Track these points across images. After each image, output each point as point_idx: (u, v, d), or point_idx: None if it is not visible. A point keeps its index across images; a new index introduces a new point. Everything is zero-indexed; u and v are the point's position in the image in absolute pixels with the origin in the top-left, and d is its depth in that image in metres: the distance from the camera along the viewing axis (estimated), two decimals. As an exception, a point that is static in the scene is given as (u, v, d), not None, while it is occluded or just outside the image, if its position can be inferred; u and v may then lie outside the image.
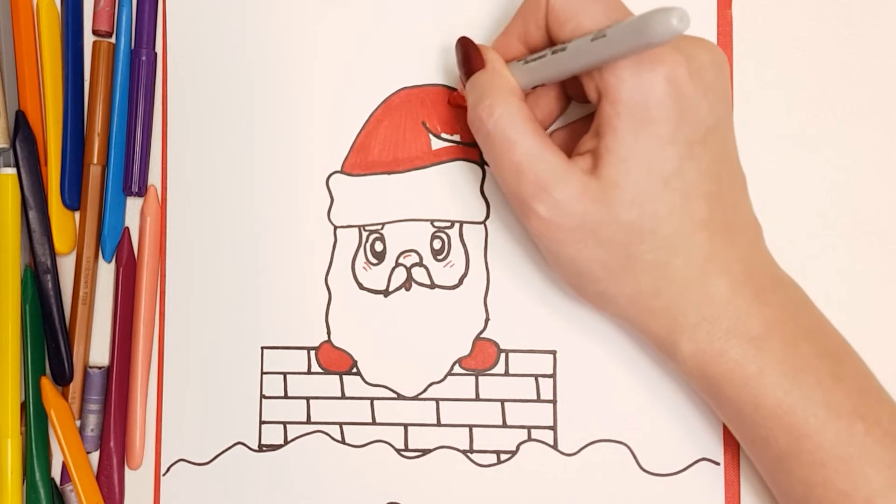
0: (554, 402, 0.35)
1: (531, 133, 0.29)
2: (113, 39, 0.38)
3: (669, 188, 0.28)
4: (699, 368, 0.30)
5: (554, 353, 0.35)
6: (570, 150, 0.31)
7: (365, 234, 0.37)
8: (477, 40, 0.36)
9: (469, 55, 0.32)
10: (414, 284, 0.36)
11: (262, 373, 0.37)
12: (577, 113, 0.35)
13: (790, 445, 0.29)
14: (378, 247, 0.36)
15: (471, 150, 0.36)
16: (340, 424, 0.36)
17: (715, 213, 0.29)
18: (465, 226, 0.36)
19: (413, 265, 0.36)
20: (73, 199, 0.38)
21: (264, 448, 0.37)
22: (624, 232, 0.29)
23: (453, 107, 0.36)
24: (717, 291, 0.29)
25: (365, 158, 0.37)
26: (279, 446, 0.36)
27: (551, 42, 0.31)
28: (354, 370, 0.36)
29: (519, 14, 0.32)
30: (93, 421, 0.37)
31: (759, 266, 0.30)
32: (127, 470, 0.37)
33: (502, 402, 0.36)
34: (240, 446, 0.37)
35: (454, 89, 0.36)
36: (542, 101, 0.33)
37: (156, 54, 0.38)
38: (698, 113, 0.28)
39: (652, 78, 0.27)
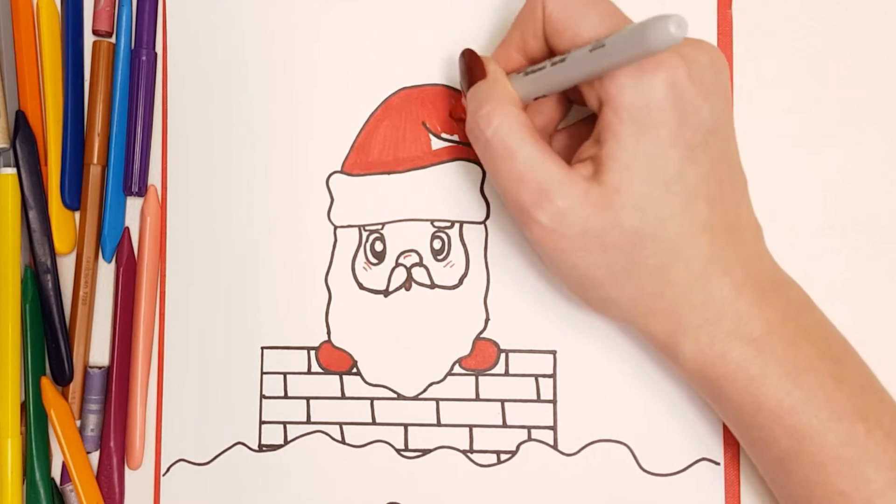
0: (554, 402, 0.35)
1: (531, 141, 0.29)
2: (113, 39, 0.38)
3: (671, 192, 0.28)
4: (701, 370, 0.30)
5: (554, 353, 0.35)
6: (568, 155, 0.31)
7: (365, 234, 0.37)
8: (477, 40, 0.36)
9: (471, 66, 0.32)
10: (414, 284, 0.36)
11: (262, 373, 0.37)
12: (574, 117, 0.35)
13: (791, 446, 0.29)
14: (378, 247, 0.36)
15: (471, 150, 0.36)
16: (340, 424, 0.36)
17: (716, 215, 0.29)
18: (465, 226, 0.36)
19: (413, 265, 0.36)
20: (73, 199, 0.38)
21: (264, 448, 0.37)
22: (627, 237, 0.28)
23: (455, 120, 0.36)
24: (718, 293, 0.29)
25: (365, 158, 0.37)
26: (279, 446, 0.36)
27: (550, 51, 0.31)
28: (354, 370, 0.36)
29: (516, 25, 0.32)
30: (93, 421, 0.37)
31: (761, 267, 0.30)
32: (127, 470, 0.37)
33: (502, 402, 0.36)
34: (240, 446, 0.37)
35: (455, 89, 0.36)
36: (545, 107, 0.33)
37: (156, 54, 0.38)
38: (699, 116, 0.28)
39: (652, 82, 0.27)
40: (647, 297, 0.30)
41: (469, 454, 0.36)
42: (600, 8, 0.29)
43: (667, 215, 0.28)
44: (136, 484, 0.37)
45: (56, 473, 0.37)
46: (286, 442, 0.36)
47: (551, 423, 0.35)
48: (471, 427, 0.36)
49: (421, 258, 0.36)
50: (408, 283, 0.36)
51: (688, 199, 0.28)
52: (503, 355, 0.36)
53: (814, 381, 0.28)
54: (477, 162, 0.36)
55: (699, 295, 0.29)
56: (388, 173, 0.36)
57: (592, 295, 0.31)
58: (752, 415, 0.29)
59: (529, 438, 0.35)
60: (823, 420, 0.28)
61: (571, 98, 0.33)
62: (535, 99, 0.31)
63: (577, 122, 0.34)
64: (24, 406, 0.37)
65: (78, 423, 0.37)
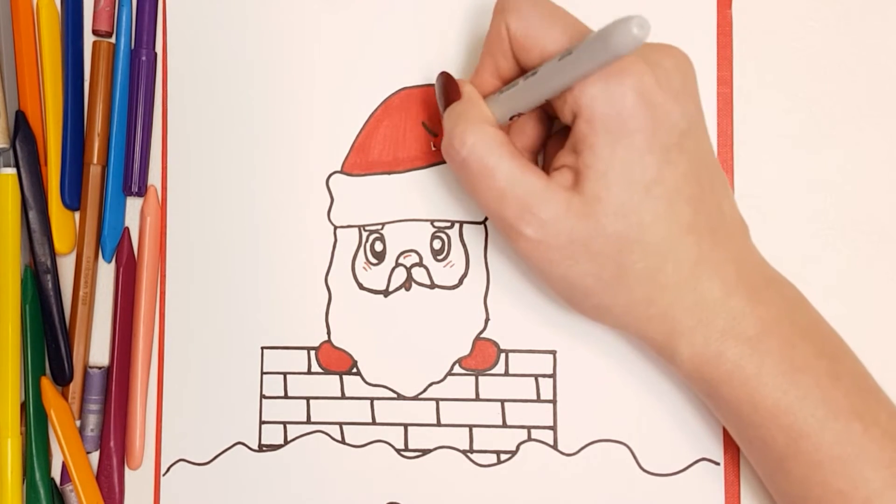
0: (554, 402, 0.35)
1: (508, 157, 0.29)
2: (113, 39, 0.38)
3: (652, 196, 0.28)
4: (698, 371, 0.30)
5: (554, 353, 0.35)
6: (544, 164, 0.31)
7: (365, 234, 0.37)
8: (477, 41, 0.36)
9: (447, 88, 0.32)
10: (414, 284, 0.36)
11: (262, 373, 0.37)
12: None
13: (788, 446, 0.29)
14: (378, 247, 0.36)
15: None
16: (340, 424, 0.36)
17: (699, 216, 0.29)
18: (465, 226, 0.36)
19: (413, 265, 0.36)
20: (73, 199, 0.38)
21: (264, 448, 0.37)
22: (612, 243, 0.29)
23: (438, 150, 0.36)
24: (710, 294, 0.29)
25: (365, 158, 0.37)
26: (279, 446, 0.36)
27: (522, 70, 0.31)
28: (354, 370, 0.36)
29: (486, 50, 0.32)
30: (93, 421, 0.37)
31: (751, 266, 0.30)
32: (127, 470, 0.37)
33: (502, 402, 0.36)
34: (240, 446, 0.37)
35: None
36: (527, 126, 0.33)
37: (156, 54, 0.38)
38: (670, 119, 0.28)
39: (621, 90, 0.27)
40: (639, 302, 0.30)
41: (469, 454, 0.36)
42: (563, 22, 0.29)
43: (649, 220, 0.28)
44: (136, 484, 0.37)
45: (56, 473, 0.37)
46: (286, 442, 0.36)
47: (551, 423, 0.35)
48: (471, 427, 0.36)
49: (421, 258, 0.36)
50: (408, 283, 0.36)
51: (670, 202, 0.28)
52: (503, 355, 0.36)
53: (810, 379, 0.28)
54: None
55: (690, 297, 0.29)
56: (388, 173, 0.36)
57: (585, 303, 0.31)
58: (749, 414, 0.29)
59: (529, 438, 0.35)
60: (820, 419, 0.28)
61: (551, 113, 0.33)
62: (513, 118, 0.31)
63: (555, 134, 0.34)
64: (24, 406, 0.37)
65: (78, 423, 0.37)
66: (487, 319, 0.36)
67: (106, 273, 0.38)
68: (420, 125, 0.36)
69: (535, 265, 0.30)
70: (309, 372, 0.36)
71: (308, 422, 0.36)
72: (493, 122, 0.31)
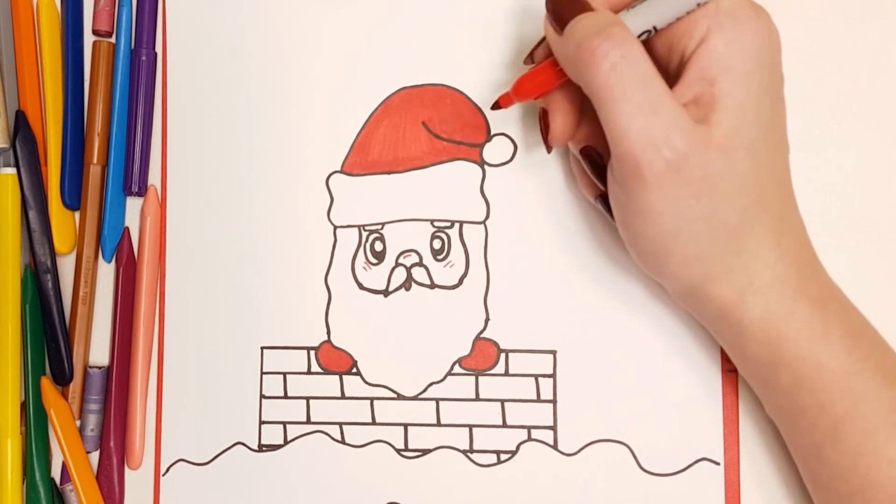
0: (554, 402, 0.35)
1: (658, 74, 0.27)
2: (113, 39, 0.38)
3: (767, 139, 0.28)
4: (765, 332, 0.29)
5: (554, 353, 0.35)
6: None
7: (365, 234, 0.37)
8: (478, 41, 0.36)
9: (570, 3, 0.29)
10: (414, 284, 0.36)
11: (262, 373, 0.37)
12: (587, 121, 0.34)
13: (847, 410, 0.28)
14: (378, 247, 0.36)
15: (471, 150, 0.36)
16: (340, 424, 0.36)
17: (785, 174, 0.29)
18: (465, 226, 0.36)
19: (413, 265, 0.36)
20: (73, 199, 0.38)
21: (264, 448, 0.37)
22: (738, 182, 0.28)
23: (502, 105, 0.33)
24: (787, 251, 0.29)
25: (365, 158, 0.37)
26: (279, 446, 0.36)
27: None
28: (354, 370, 0.36)
29: None
30: (93, 421, 0.37)
31: (806, 235, 0.31)
32: (127, 470, 0.37)
33: (502, 402, 0.36)
34: (240, 446, 0.37)
35: (454, 89, 0.36)
36: (558, 113, 0.32)
37: (156, 54, 0.38)
38: (781, 71, 0.29)
39: (760, 25, 0.28)
40: (728, 252, 0.29)
41: (469, 454, 0.36)
42: None
43: (765, 163, 0.28)
44: (136, 484, 0.37)
45: (56, 473, 0.37)
46: (286, 442, 0.36)
47: (551, 423, 0.35)
48: (471, 427, 0.36)
49: (421, 258, 0.36)
50: (408, 283, 0.36)
51: (775, 149, 0.28)
52: (503, 355, 0.36)
53: (867, 344, 0.29)
54: (477, 162, 0.36)
55: (774, 252, 0.29)
56: (388, 173, 0.36)
57: (681, 252, 0.29)
58: (811, 377, 0.29)
59: (529, 438, 0.35)
60: (879, 382, 0.28)
61: (661, 59, 0.30)
62: (642, 36, 0.28)
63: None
64: (24, 406, 0.37)
65: (78, 423, 0.37)
66: (487, 319, 0.36)
67: (106, 273, 0.38)
68: (420, 125, 0.36)
69: (652, 202, 0.28)
70: (309, 372, 0.36)
71: (308, 422, 0.36)
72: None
